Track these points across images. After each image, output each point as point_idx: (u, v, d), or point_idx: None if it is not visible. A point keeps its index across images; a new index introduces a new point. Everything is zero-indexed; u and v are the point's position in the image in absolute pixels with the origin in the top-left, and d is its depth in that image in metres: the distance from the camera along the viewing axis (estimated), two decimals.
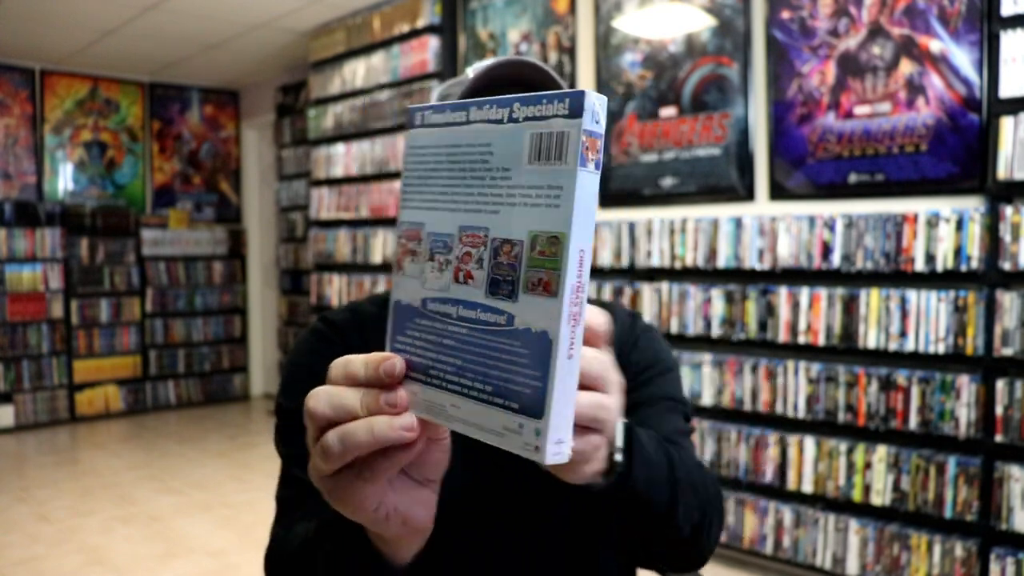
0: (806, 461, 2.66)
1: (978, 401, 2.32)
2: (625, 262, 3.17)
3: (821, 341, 2.63)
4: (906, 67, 2.49)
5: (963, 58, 2.37)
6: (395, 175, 4.19)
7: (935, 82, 2.44)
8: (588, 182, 0.41)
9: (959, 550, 2.34)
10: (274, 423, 0.95)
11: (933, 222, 2.40)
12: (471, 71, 0.85)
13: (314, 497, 0.79)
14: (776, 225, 2.74)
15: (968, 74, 2.37)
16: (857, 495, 2.55)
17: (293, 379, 0.91)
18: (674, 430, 0.90)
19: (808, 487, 2.66)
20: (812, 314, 2.65)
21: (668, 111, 3.11)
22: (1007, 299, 2.25)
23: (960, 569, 2.34)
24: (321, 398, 0.48)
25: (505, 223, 0.44)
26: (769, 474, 2.75)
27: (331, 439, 0.47)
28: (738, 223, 2.83)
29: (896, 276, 2.51)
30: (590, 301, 1.01)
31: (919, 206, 2.47)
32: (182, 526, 3.41)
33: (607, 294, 3.20)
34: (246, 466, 4.30)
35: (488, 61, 0.85)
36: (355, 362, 0.49)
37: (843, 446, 2.58)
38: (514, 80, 0.84)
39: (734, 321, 2.84)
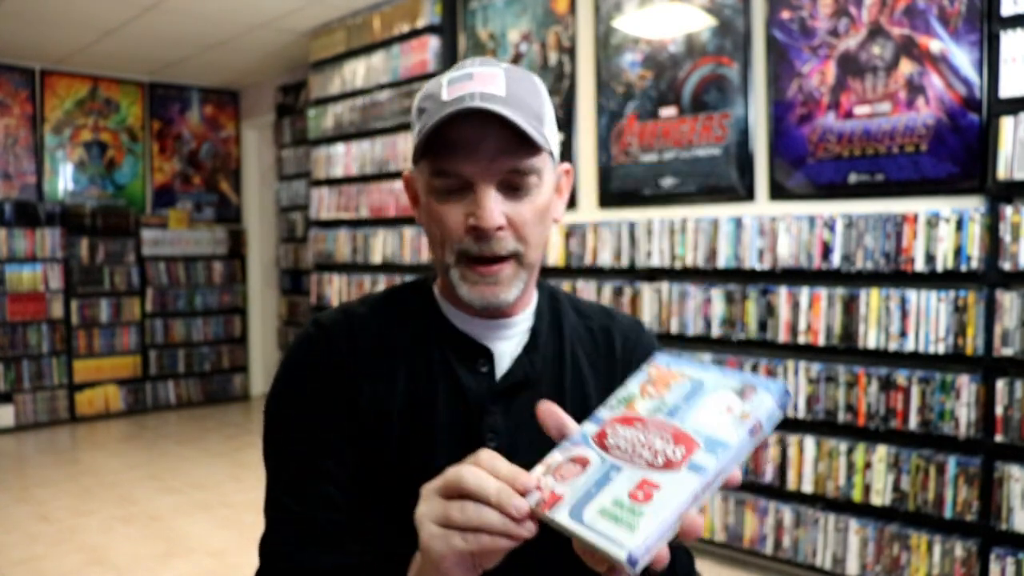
0: (806, 461, 2.66)
1: (978, 401, 2.32)
2: (625, 262, 3.17)
3: (821, 341, 2.62)
4: (906, 67, 2.49)
5: (963, 58, 2.37)
6: (395, 175, 4.19)
7: (935, 82, 2.44)
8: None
9: (959, 550, 2.34)
10: (265, 432, 0.92)
11: (933, 222, 2.40)
12: (445, 85, 0.81)
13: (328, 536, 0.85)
14: (776, 225, 2.73)
15: (968, 74, 2.37)
16: (857, 495, 2.55)
17: (285, 400, 0.89)
18: None
19: (808, 487, 2.66)
20: (812, 314, 2.65)
21: (668, 111, 3.11)
22: (1007, 299, 2.25)
23: (960, 569, 2.34)
24: (471, 472, 0.62)
25: None
26: (769, 474, 2.75)
27: (465, 509, 0.60)
28: (738, 223, 2.83)
29: (896, 276, 2.50)
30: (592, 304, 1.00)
31: (919, 206, 2.47)
32: (182, 526, 3.40)
33: (607, 294, 3.20)
34: (246, 466, 4.30)
35: (458, 81, 0.80)
36: (489, 484, 0.61)
37: (843, 446, 2.58)
38: (488, 114, 0.78)
39: (734, 321, 2.84)
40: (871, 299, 2.51)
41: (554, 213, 0.90)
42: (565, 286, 3.33)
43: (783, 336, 2.72)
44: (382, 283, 4.27)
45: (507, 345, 0.91)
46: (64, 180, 5.69)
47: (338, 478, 0.87)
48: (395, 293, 0.96)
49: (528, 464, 0.88)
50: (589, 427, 0.66)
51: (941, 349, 2.38)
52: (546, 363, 0.92)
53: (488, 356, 0.90)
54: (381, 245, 4.29)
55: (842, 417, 2.58)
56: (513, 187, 0.83)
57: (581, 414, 0.92)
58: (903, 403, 2.45)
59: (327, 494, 0.85)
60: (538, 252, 0.87)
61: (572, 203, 3.47)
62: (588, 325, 0.97)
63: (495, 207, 0.81)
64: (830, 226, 2.61)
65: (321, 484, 0.86)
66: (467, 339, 0.90)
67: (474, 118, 0.80)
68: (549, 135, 0.84)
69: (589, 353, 0.95)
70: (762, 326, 2.77)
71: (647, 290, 3.08)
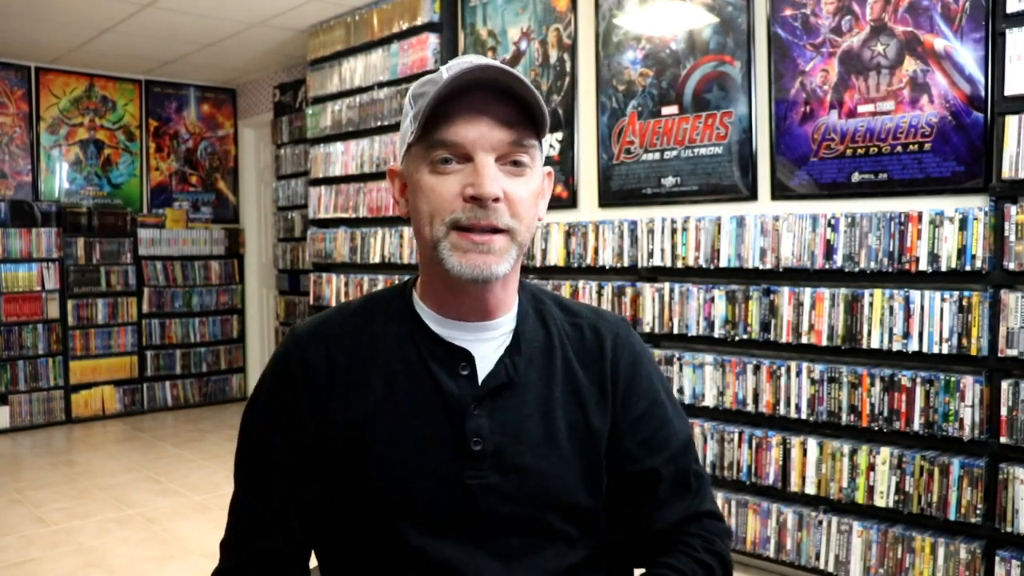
0: (809, 462, 2.64)
1: (983, 402, 2.30)
2: (626, 262, 3.14)
3: (824, 341, 2.60)
4: (910, 65, 2.47)
5: (967, 56, 2.35)
6: None
7: (939, 80, 2.42)
8: None
9: (963, 552, 2.32)
10: (238, 446, 0.95)
11: (937, 221, 2.38)
12: (445, 71, 0.83)
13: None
14: (779, 224, 2.71)
15: (972, 72, 2.35)
16: (860, 497, 2.53)
17: (256, 423, 0.93)
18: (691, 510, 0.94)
19: (811, 489, 2.64)
20: (815, 314, 2.63)
21: (670, 109, 3.09)
22: (1012, 299, 2.23)
23: (964, 572, 2.32)
24: None
25: None
26: (771, 476, 2.73)
27: None
28: (740, 222, 2.81)
29: (900, 276, 2.48)
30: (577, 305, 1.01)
31: (923, 205, 2.45)
32: (179, 528, 3.38)
33: (608, 294, 3.18)
34: None
35: (463, 62, 0.83)
36: None
37: (846, 447, 2.56)
38: (489, 85, 0.82)
39: (736, 321, 2.82)
40: (874, 299, 2.49)
41: (539, 210, 0.89)
42: (565, 286, 3.31)
43: (786, 336, 2.70)
44: (381, 283, 4.25)
45: (488, 347, 0.89)
46: (60, 179, 5.66)
47: (299, 503, 0.89)
48: (373, 299, 0.95)
49: (515, 466, 0.87)
50: None
51: (945, 349, 2.36)
52: (532, 364, 0.90)
53: (469, 359, 0.88)
54: (380, 244, 4.26)
55: (845, 418, 2.56)
56: (510, 163, 0.83)
57: (576, 413, 0.91)
58: (907, 404, 2.43)
59: (279, 525, 0.89)
60: (528, 235, 0.86)
61: (573, 202, 3.45)
62: (576, 323, 0.96)
63: (495, 176, 0.81)
64: (833, 225, 2.59)
65: (277, 513, 0.89)
66: (446, 343, 0.88)
67: (477, 92, 0.81)
68: (544, 122, 0.85)
69: (578, 351, 0.93)
70: (764, 326, 2.75)
71: (648, 290, 3.06)
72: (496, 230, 0.81)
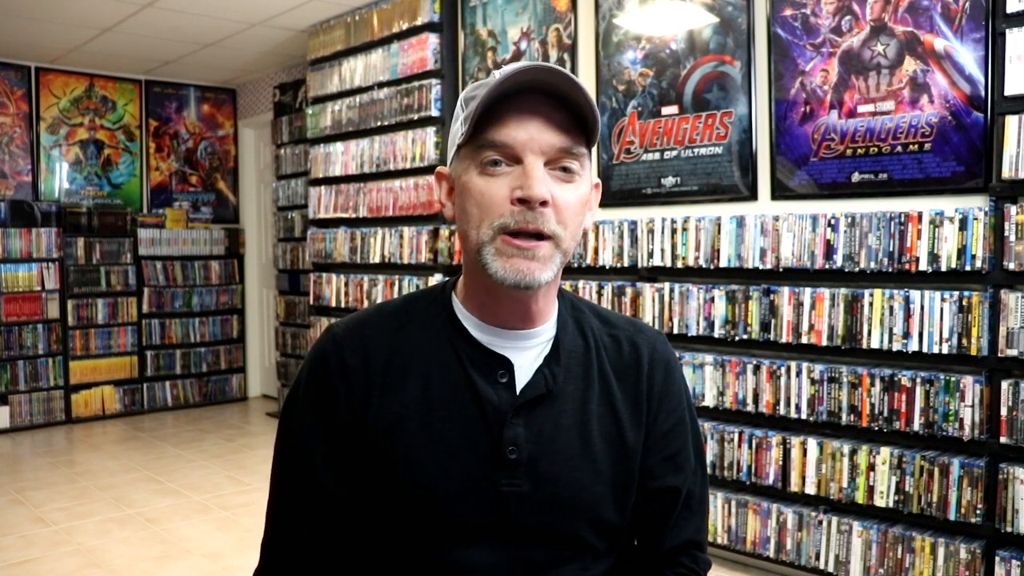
0: (809, 462, 2.64)
1: (983, 402, 2.30)
2: (626, 262, 3.14)
3: (824, 341, 2.60)
4: (910, 65, 2.47)
5: (967, 56, 2.35)
6: (394, 174, 4.17)
7: (939, 80, 2.41)
8: None
9: (963, 552, 2.32)
10: (277, 443, 0.93)
11: (937, 221, 2.38)
12: (498, 74, 0.82)
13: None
14: (779, 224, 2.71)
15: (972, 72, 2.35)
16: (860, 497, 2.53)
17: (296, 421, 0.90)
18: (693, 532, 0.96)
19: (811, 489, 2.64)
20: (815, 314, 2.63)
21: (669, 109, 3.09)
22: (1012, 299, 2.23)
23: (964, 572, 2.32)
24: None
25: None
26: (771, 476, 2.73)
27: None
28: (740, 222, 2.81)
29: (900, 276, 2.48)
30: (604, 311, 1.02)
31: (923, 205, 2.45)
32: (179, 528, 3.38)
33: (608, 294, 3.18)
34: (244, 468, 4.27)
35: (516, 65, 0.83)
36: None
37: (846, 447, 2.56)
38: (543, 88, 0.81)
39: (736, 321, 2.82)
40: (874, 299, 2.49)
41: (585, 221, 0.89)
42: (565, 286, 3.30)
43: (786, 336, 2.70)
44: (381, 283, 4.24)
45: (527, 356, 0.89)
46: (60, 179, 5.66)
47: (337, 504, 0.88)
48: (412, 300, 0.94)
49: (549, 476, 0.87)
50: None
51: (945, 349, 2.36)
52: (570, 374, 0.89)
53: (508, 367, 0.87)
54: (380, 244, 4.26)
55: (845, 418, 2.56)
56: (560, 169, 0.82)
57: (611, 427, 0.90)
58: (907, 404, 2.43)
59: (319, 527, 0.88)
60: (573, 244, 0.85)
61: None
62: (614, 334, 0.95)
63: (543, 178, 0.80)
64: (833, 225, 2.59)
65: (316, 515, 0.88)
66: (486, 349, 0.87)
67: (530, 94, 0.81)
68: (596, 129, 0.85)
69: (615, 363, 0.93)
70: (764, 326, 2.75)
71: (648, 290, 3.06)
72: (541, 236, 0.81)
